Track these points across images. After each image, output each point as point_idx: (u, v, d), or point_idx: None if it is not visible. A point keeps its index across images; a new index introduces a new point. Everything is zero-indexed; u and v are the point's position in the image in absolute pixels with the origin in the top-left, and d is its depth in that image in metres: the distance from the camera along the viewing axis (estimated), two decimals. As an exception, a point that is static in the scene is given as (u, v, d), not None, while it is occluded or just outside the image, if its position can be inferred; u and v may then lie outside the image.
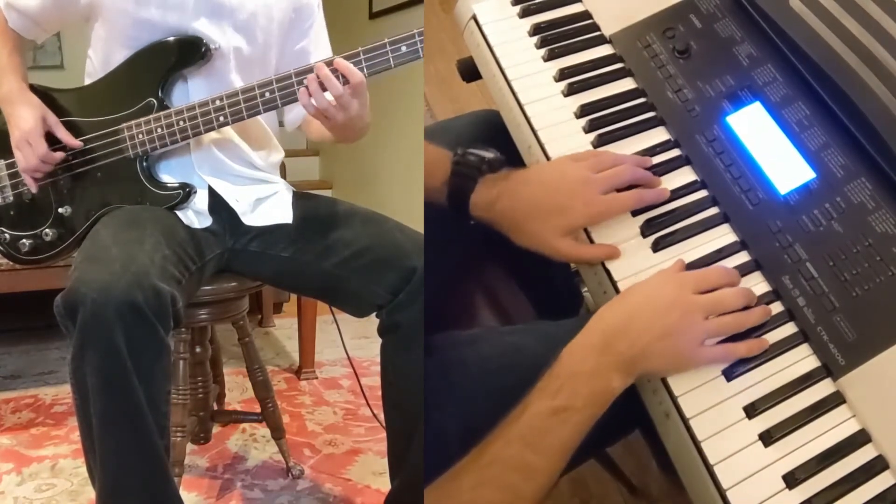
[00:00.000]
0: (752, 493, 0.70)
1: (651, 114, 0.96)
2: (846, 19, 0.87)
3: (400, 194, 3.22)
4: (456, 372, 0.93)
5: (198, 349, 1.61)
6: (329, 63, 1.14)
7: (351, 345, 1.76)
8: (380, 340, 1.30)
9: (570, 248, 0.88)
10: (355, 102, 1.16)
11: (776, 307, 0.81)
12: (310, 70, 1.16)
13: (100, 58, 1.30)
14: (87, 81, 1.33)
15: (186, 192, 1.26)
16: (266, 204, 1.35)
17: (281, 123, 1.45)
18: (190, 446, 1.74)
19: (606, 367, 0.75)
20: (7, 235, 1.32)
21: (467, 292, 1.18)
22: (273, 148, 1.42)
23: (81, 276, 1.03)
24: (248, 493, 1.65)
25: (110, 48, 1.27)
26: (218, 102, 1.21)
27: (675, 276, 0.81)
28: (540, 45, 1.03)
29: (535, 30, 1.04)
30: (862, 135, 0.85)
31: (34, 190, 1.28)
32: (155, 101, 1.24)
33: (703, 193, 0.90)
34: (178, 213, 1.27)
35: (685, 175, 0.91)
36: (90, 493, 1.52)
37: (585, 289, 1.28)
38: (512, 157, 0.96)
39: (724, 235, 0.87)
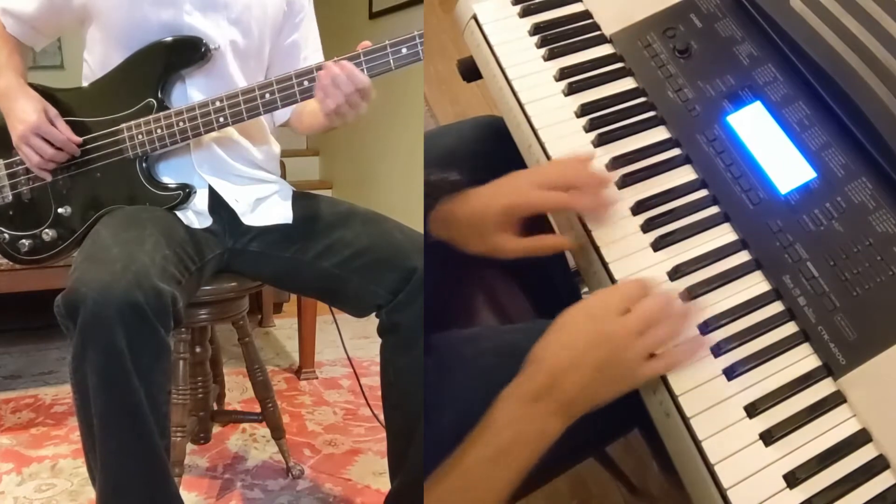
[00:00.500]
0: (753, 492, 0.70)
1: (651, 113, 0.96)
2: (846, 19, 0.87)
3: (400, 194, 3.22)
4: (456, 371, 0.93)
5: (198, 349, 1.61)
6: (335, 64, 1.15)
7: (351, 345, 1.76)
8: (380, 340, 1.30)
9: (508, 242, 0.88)
10: (364, 104, 1.18)
11: (777, 307, 0.81)
12: (310, 71, 1.17)
13: (97, 60, 1.30)
14: (85, 84, 1.32)
15: (186, 192, 1.26)
16: (266, 204, 1.35)
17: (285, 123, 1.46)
18: (190, 446, 1.74)
19: (542, 412, 0.74)
20: (6, 235, 1.32)
21: (467, 292, 1.18)
22: (271, 142, 1.42)
23: (82, 276, 1.03)
24: (248, 493, 1.65)
25: (106, 49, 1.27)
26: (218, 104, 1.21)
27: (598, 305, 0.78)
28: (540, 45, 1.03)
29: (536, 29, 1.04)
30: (862, 134, 0.85)
31: (49, 179, 1.27)
32: (154, 102, 1.24)
33: (703, 193, 0.90)
34: (178, 213, 1.27)
35: (685, 174, 0.91)
36: (90, 493, 1.52)
37: (585, 289, 1.28)
38: (514, 162, 0.96)
39: (724, 235, 0.87)
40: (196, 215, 1.29)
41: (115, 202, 1.27)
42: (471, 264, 1.18)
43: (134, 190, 1.26)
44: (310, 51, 1.40)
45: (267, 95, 1.20)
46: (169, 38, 1.23)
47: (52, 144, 1.22)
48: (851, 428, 0.73)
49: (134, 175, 1.26)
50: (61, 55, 3.57)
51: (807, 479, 0.70)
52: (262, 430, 1.91)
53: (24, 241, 1.31)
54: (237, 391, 2.22)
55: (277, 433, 1.70)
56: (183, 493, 1.27)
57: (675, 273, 0.84)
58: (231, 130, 1.31)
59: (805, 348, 0.78)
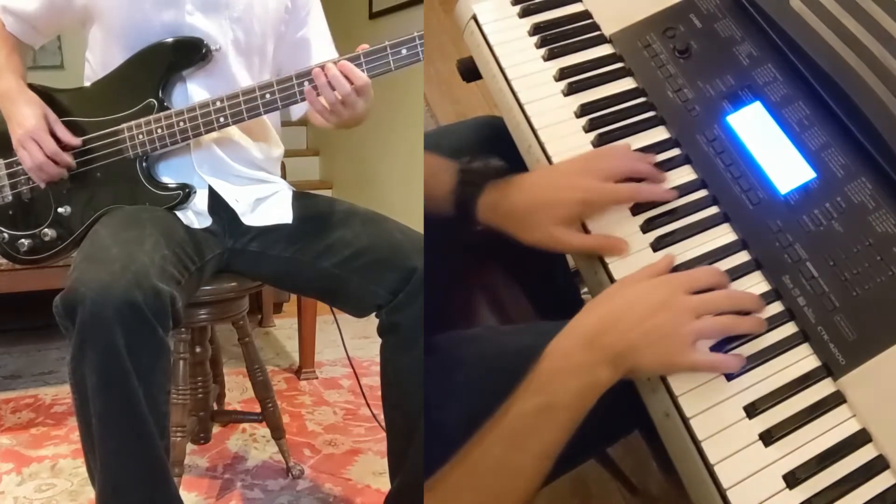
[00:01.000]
0: (753, 492, 0.70)
1: (651, 113, 0.96)
2: (846, 19, 0.87)
3: (400, 194, 3.22)
4: (456, 371, 0.93)
5: (198, 349, 1.61)
6: (334, 64, 1.15)
7: (351, 345, 1.76)
8: (380, 340, 1.30)
9: (570, 236, 0.87)
10: (361, 101, 1.18)
11: (776, 307, 0.81)
12: (309, 72, 1.17)
13: (98, 60, 1.30)
14: (87, 84, 1.32)
15: (186, 192, 1.26)
16: (266, 204, 1.35)
17: (284, 123, 1.45)
18: (190, 446, 1.74)
19: (593, 361, 0.74)
20: (6, 235, 1.32)
21: (468, 292, 1.18)
22: (273, 142, 1.42)
23: (81, 276, 1.03)
24: (248, 493, 1.65)
25: (108, 50, 1.27)
26: (218, 104, 1.21)
27: (667, 276, 0.80)
28: (540, 45, 1.03)
29: (535, 29, 1.04)
30: (862, 135, 0.85)
31: (42, 186, 1.27)
32: (155, 102, 1.24)
33: (703, 193, 0.90)
34: (178, 213, 1.27)
35: (685, 174, 0.91)
36: (90, 493, 1.52)
37: (585, 290, 1.28)
38: (513, 162, 0.96)
39: (724, 235, 0.87)
40: (196, 215, 1.29)
41: (114, 202, 1.27)
42: (471, 265, 1.19)
43: (134, 190, 1.26)
44: (321, 45, 1.39)
45: (267, 96, 1.20)
46: (170, 39, 1.23)
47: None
48: (851, 428, 0.73)
49: (134, 175, 1.26)
50: (61, 55, 3.57)
51: (806, 480, 0.70)
52: (262, 430, 1.91)
53: (23, 240, 1.31)
54: (237, 391, 2.22)
55: (277, 433, 1.70)
56: (183, 493, 1.28)
57: (675, 273, 0.84)
58: (231, 131, 1.31)
59: (805, 348, 0.78)
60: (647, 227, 0.88)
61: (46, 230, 1.30)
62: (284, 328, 2.87)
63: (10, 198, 1.31)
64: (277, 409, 1.70)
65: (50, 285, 1.75)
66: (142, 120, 1.24)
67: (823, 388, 0.75)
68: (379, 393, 1.33)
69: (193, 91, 1.27)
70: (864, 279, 0.78)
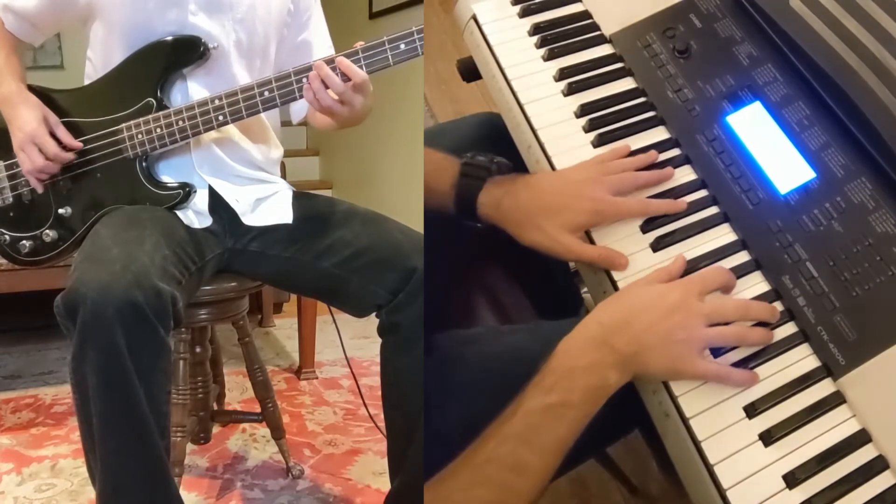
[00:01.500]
0: (753, 492, 0.70)
1: (651, 113, 0.96)
2: (846, 19, 0.87)
3: (400, 194, 3.22)
4: (456, 371, 0.93)
5: (198, 349, 1.61)
6: (331, 61, 1.15)
7: (351, 345, 1.76)
8: (380, 340, 1.30)
9: (574, 244, 0.87)
10: (359, 98, 1.18)
11: (776, 306, 0.81)
12: (308, 68, 1.17)
13: (99, 59, 1.30)
14: (87, 83, 1.32)
15: (186, 192, 1.26)
16: (266, 204, 1.35)
17: (283, 123, 1.45)
18: (190, 446, 1.74)
19: (604, 361, 0.75)
20: (7, 237, 1.32)
21: (468, 292, 1.18)
22: (273, 144, 1.42)
23: (81, 276, 1.03)
24: (248, 493, 1.65)
25: (109, 48, 1.27)
26: (217, 102, 1.21)
27: (679, 280, 0.80)
28: (540, 45, 1.03)
29: (535, 29, 1.04)
30: (862, 135, 0.85)
31: (40, 190, 1.27)
32: (154, 101, 1.24)
33: (703, 193, 0.90)
34: (178, 212, 1.27)
35: (685, 174, 0.91)
36: (90, 493, 1.52)
37: (585, 289, 1.28)
38: (513, 161, 0.96)
39: (723, 235, 0.87)
40: (196, 215, 1.29)
41: (115, 202, 1.27)
42: (472, 265, 1.19)
43: (134, 189, 1.26)
44: (322, 49, 1.39)
45: (266, 93, 1.20)
46: (169, 38, 1.23)
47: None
48: (851, 428, 0.73)
49: (134, 175, 1.26)
50: (61, 55, 3.57)
51: (806, 480, 0.70)
52: (262, 430, 1.91)
53: (24, 242, 1.31)
54: (237, 391, 2.22)
55: (277, 433, 1.70)
56: (183, 493, 1.28)
57: (675, 273, 0.84)
58: (231, 130, 1.31)
59: (804, 348, 0.78)
60: (647, 227, 0.88)
61: (48, 231, 1.30)
62: (284, 328, 2.87)
63: (11, 199, 1.31)
64: (277, 409, 1.70)
65: (50, 285, 1.75)
66: (140, 119, 1.24)
67: (823, 388, 0.76)
68: (379, 393, 1.33)
69: (194, 91, 1.27)
70: (864, 279, 0.78)
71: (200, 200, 1.29)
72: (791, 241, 0.83)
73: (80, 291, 1.01)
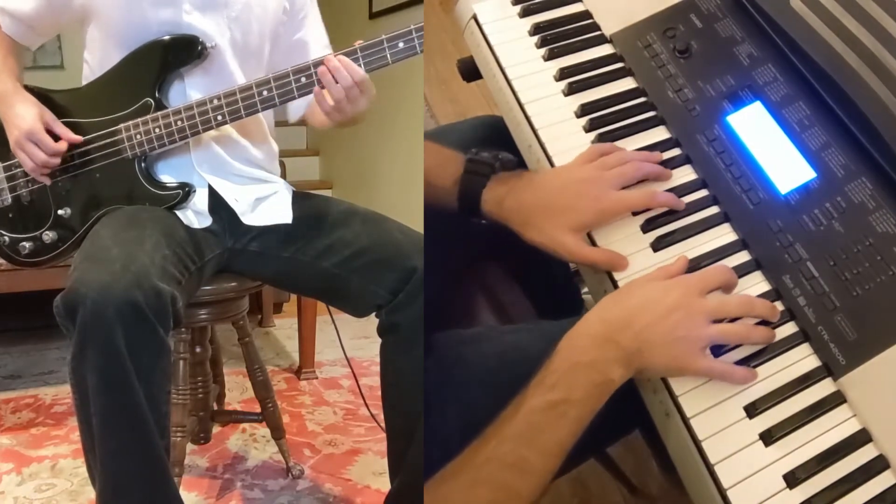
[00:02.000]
0: (753, 492, 0.70)
1: (651, 113, 0.96)
2: (846, 19, 0.87)
3: (400, 194, 3.22)
4: (456, 370, 0.93)
5: (198, 349, 1.61)
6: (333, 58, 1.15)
7: (351, 345, 1.76)
8: (380, 340, 1.30)
9: (577, 245, 0.87)
10: (363, 97, 1.17)
11: (777, 307, 0.81)
12: (307, 68, 1.17)
13: (96, 60, 1.30)
14: (83, 85, 1.32)
15: (185, 191, 1.26)
16: (266, 204, 1.35)
17: (278, 123, 1.45)
18: (190, 446, 1.74)
19: (606, 358, 0.74)
20: (6, 238, 1.32)
21: (468, 292, 1.18)
22: (270, 142, 1.42)
23: (81, 277, 1.03)
24: (248, 493, 1.65)
25: (106, 49, 1.27)
26: (216, 102, 1.21)
27: (681, 277, 0.80)
28: (540, 45, 1.03)
29: (536, 29, 1.04)
30: (862, 135, 0.85)
31: (49, 183, 1.27)
32: (152, 101, 1.24)
33: (703, 193, 0.90)
34: (178, 212, 1.27)
35: (686, 174, 0.91)
36: (90, 493, 1.52)
37: (585, 289, 1.28)
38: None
39: (724, 235, 0.87)
40: (196, 215, 1.29)
41: (114, 202, 1.27)
42: (472, 264, 1.19)
43: (133, 189, 1.26)
44: (317, 48, 1.39)
45: (265, 93, 1.20)
46: (166, 38, 1.23)
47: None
48: (851, 428, 0.73)
49: (133, 175, 1.26)
50: (61, 55, 3.57)
51: (807, 479, 0.70)
52: (262, 430, 1.91)
53: (24, 243, 1.31)
54: (237, 391, 2.22)
55: (277, 433, 1.70)
56: (183, 493, 1.28)
57: (675, 273, 0.84)
58: (230, 130, 1.31)
59: (805, 348, 0.78)
60: (646, 227, 0.88)
61: (47, 232, 1.30)
62: (284, 328, 2.87)
63: (10, 201, 1.31)
64: (277, 409, 1.70)
65: (50, 285, 1.74)
66: (139, 120, 1.24)
67: (823, 388, 0.75)
68: (379, 393, 1.33)
69: (191, 91, 1.27)
70: (865, 279, 0.78)
71: (200, 200, 1.29)
72: (791, 241, 0.83)
73: (80, 291, 1.01)
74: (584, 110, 0.97)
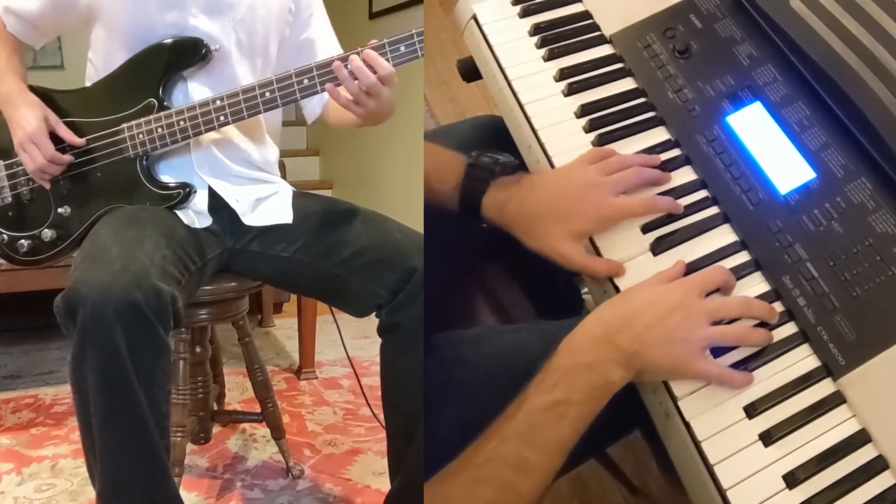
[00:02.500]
0: (753, 492, 0.70)
1: (651, 114, 0.96)
2: (846, 19, 0.87)
3: (400, 194, 3.22)
4: (456, 371, 0.93)
5: (198, 349, 1.61)
6: (345, 59, 1.14)
7: (351, 345, 1.76)
8: (380, 340, 1.30)
9: (578, 254, 0.87)
10: (386, 90, 1.17)
11: (776, 307, 0.81)
12: (310, 70, 1.17)
13: (100, 61, 1.30)
14: (88, 85, 1.32)
15: (186, 191, 1.26)
16: (266, 204, 1.35)
17: (286, 123, 1.45)
18: (190, 446, 1.74)
19: (606, 359, 0.75)
20: (5, 236, 1.32)
21: (468, 292, 1.18)
22: (269, 144, 1.42)
23: (81, 276, 1.03)
24: (248, 493, 1.65)
25: (111, 50, 1.27)
26: (218, 102, 1.21)
27: (681, 280, 0.80)
28: (540, 45, 1.03)
29: (536, 30, 1.04)
30: (862, 135, 0.85)
31: (48, 187, 1.27)
32: (155, 102, 1.24)
33: (703, 193, 0.90)
34: (178, 212, 1.27)
35: (685, 175, 0.91)
36: (90, 493, 1.52)
37: (585, 290, 1.28)
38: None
39: (724, 235, 0.87)
40: (196, 215, 1.29)
41: (115, 202, 1.27)
42: (472, 264, 1.19)
43: (134, 189, 1.26)
44: (325, 47, 1.39)
45: (267, 94, 1.20)
46: (170, 40, 1.23)
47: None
48: (851, 428, 0.73)
49: (134, 174, 1.26)
50: (61, 55, 3.57)
51: (806, 480, 0.70)
52: (262, 430, 1.91)
53: (23, 241, 1.31)
54: (237, 391, 2.22)
55: (277, 433, 1.70)
56: (183, 493, 1.28)
57: (675, 273, 0.84)
58: (230, 131, 1.31)
59: (805, 349, 0.78)
60: (646, 228, 0.88)
61: (46, 231, 1.30)
62: (284, 328, 2.87)
63: (10, 199, 1.31)
64: (277, 409, 1.70)
65: (50, 285, 1.75)
66: (142, 119, 1.24)
67: (823, 389, 0.76)
68: (379, 393, 1.33)
69: (195, 92, 1.27)
70: (864, 279, 0.78)
71: (200, 200, 1.29)
72: (791, 242, 0.83)
73: (80, 291, 1.01)
74: (583, 111, 0.97)
